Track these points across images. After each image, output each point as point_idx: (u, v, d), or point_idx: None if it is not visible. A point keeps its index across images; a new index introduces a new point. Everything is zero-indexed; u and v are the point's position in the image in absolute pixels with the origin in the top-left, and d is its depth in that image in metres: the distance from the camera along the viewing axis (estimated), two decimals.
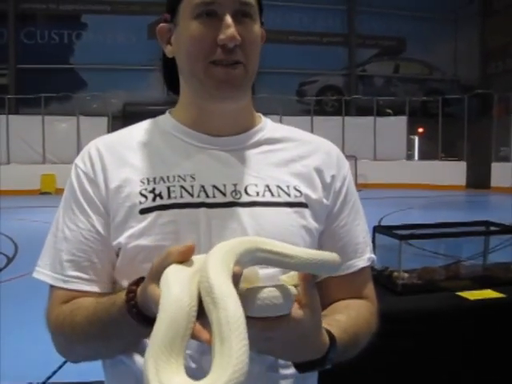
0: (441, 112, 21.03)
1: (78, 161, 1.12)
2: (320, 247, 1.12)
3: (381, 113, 21.41)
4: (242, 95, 1.09)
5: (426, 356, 2.45)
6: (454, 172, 20.08)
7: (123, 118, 20.59)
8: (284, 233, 1.05)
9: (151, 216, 1.02)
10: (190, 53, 1.05)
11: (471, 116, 20.82)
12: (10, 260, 7.86)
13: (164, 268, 0.79)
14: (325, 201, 1.13)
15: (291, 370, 1.00)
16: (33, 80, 19.68)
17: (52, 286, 1.07)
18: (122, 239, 1.03)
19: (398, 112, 21.48)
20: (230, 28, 0.99)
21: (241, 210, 1.04)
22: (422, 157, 22.77)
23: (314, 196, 1.11)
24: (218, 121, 1.10)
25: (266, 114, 1.22)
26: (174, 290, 0.72)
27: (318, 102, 21.67)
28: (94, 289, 1.06)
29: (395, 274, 2.82)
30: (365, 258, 1.17)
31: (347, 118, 20.60)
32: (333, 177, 1.15)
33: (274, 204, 1.06)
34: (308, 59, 21.13)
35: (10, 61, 20.36)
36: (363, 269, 1.16)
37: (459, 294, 2.81)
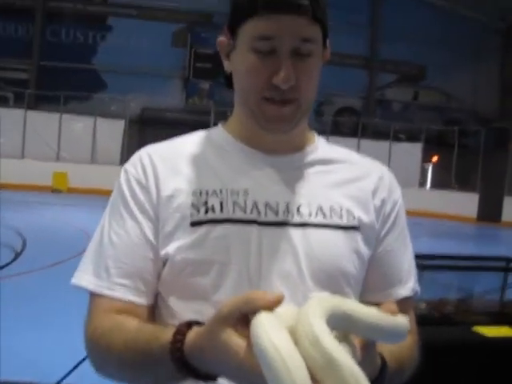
0: (457, 142, 21.00)
1: (128, 166, 1.11)
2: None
3: (396, 138, 21.41)
4: (293, 127, 1.07)
5: None
6: (465, 203, 19.97)
7: (140, 123, 20.74)
8: (334, 256, 1.03)
9: (202, 229, 1.00)
10: (244, 85, 1.04)
11: (487, 148, 20.79)
12: (17, 255, 7.87)
13: (241, 312, 0.75)
14: (376, 225, 1.11)
15: None
16: (54, 77, 19.82)
17: (93, 295, 1.03)
18: (170, 250, 1.01)
19: (413, 139, 21.46)
20: (285, 70, 0.97)
21: (292, 231, 1.02)
22: (435, 185, 22.72)
23: (366, 220, 1.09)
24: (272, 140, 1.09)
25: None
26: (290, 355, 0.65)
27: (334, 123, 21.69)
28: (140, 300, 1.02)
29: None
30: (408, 287, 1.14)
31: (363, 141, 20.60)
32: (383, 200, 1.13)
33: (326, 226, 1.05)
34: (328, 79, 21.02)
35: (33, 57, 20.52)
36: (406, 298, 1.13)
37: (476, 328, 2.79)
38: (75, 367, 3.94)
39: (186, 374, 0.83)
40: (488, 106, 24.42)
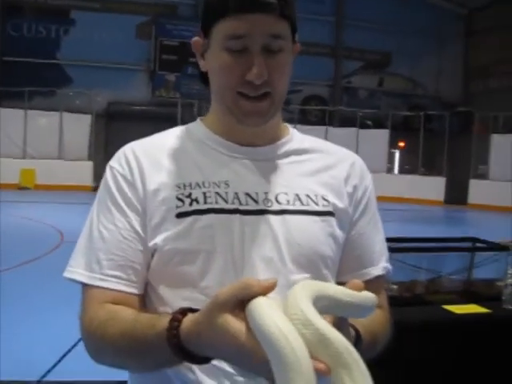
0: (422, 127, 21.26)
1: (113, 163, 1.15)
2: None
3: (363, 125, 21.60)
4: (268, 120, 1.13)
5: (417, 367, 2.52)
6: (432, 187, 20.31)
7: (107, 117, 20.52)
8: (312, 240, 1.10)
9: (188, 220, 1.06)
10: (219, 82, 1.09)
11: (452, 133, 21.09)
12: None
13: (237, 299, 0.80)
14: (349, 210, 1.18)
15: None
16: (17, 73, 19.42)
17: (86, 287, 1.07)
18: (158, 240, 1.06)
19: (380, 125, 21.67)
20: (257, 67, 1.03)
21: (272, 218, 1.09)
22: (402, 170, 23.02)
23: (340, 205, 1.16)
24: (248, 133, 1.15)
25: None
26: (292, 335, 0.71)
27: (302, 111, 21.79)
28: (132, 290, 1.07)
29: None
30: (380, 266, 1.22)
31: (330, 129, 20.74)
32: (355, 186, 1.21)
33: (304, 212, 1.11)
34: (294, 68, 20.92)
35: None
36: (378, 277, 1.21)
37: (445, 307, 2.89)
38: (57, 363, 3.96)
39: (182, 359, 0.88)
40: (452, 90, 24.80)
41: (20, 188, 17.64)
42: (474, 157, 20.41)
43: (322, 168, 1.19)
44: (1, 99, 19.30)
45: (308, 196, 1.13)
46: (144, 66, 21.40)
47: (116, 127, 20.37)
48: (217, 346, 0.82)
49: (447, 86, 24.76)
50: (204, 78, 1.18)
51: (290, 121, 19.55)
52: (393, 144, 22.03)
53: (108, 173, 1.14)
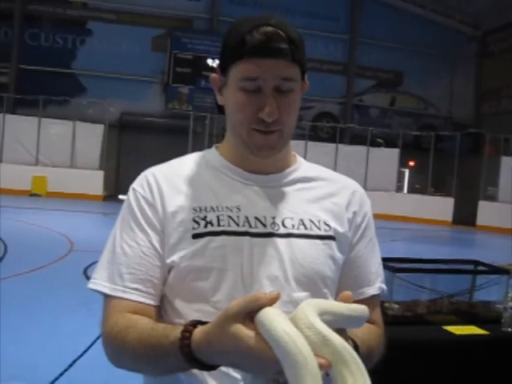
0: (433, 147, 21.30)
1: (136, 186, 1.26)
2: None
3: (374, 143, 21.66)
4: (277, 153, 1.25)
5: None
6: (441, 207, 20.30)
7: (119, 127, 20.73)
8: (314, 262, 1.21)
9: (203, 241, 1.17)
10: (235, 117, 1.21)
11: (462, 154, 21.10)
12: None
13: (246, 311, 0.92)
14: (348, 234, 1.29)
15: None
16: (33, 81, 19.74)
17: (108, 297, 1.18)
18: (175, 258, 1.17)
19: (390, 144, 21.71)
20: (269, 107, 1.14)
21: (278, 240, 1.20)
22: (411, 190, 23.03)
23: (341, 230, 1.27)
24: (259, 162, 1.26)
25: None
26: (299, 338, 0.85)
27: (313, 128, 21.89)
28: (150, 302, 1.18)
29: (386, 304, 2.95)
30: (376, 286, 1.33)
31: (341, 146, 20.81)
32: (354, 213, 1.32)
33: (307, 236, 1.22)
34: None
35: (12, 60, 20.40)
36: (373, 296, 1.32)
37: (445, 327, 2.95)
38: (64, 371, 4.01)
39: (192, 366, 0.99)
40: (463, 111, 24.85)
41: (31, 195, 17.83)
42: (483, 178, 20.39)
43: (326, 195, 1.31)
44: (16, 106, 19.59)
45: (311, 221, 1.25)
46: (158, 78, 21.62)
47: (128, 138, 20.60)
48: (228, 352, 0.93)
49: (459, 107, 24.81)
50: (220, 108, 1.30)
51: (302, 137, 19.68)
52: (403, 163, 22.05)
53: (131, 195, 1.26)
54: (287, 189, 1.28)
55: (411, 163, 23.23)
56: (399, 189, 22.26)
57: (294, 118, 1.22)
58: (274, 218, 1.22)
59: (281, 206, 1.25)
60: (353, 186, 1.38)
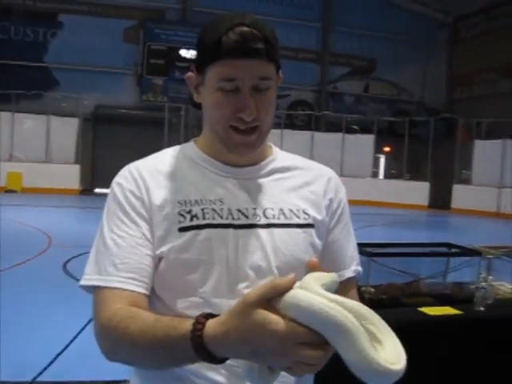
0: (407, 133, 21.52)
1: (121, 180, 1.28)
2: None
3: (349, 130, 21.81)
4: (256, 150, 1.28)
5: None
6: (417, 192, 20.56)
7: (94, 120, 20.56)
8: (295, 250, 1.26)
9: (189, 234, 1.20)
10: (213, 116, 1.24)
11: (436, 139, 21.37)
12: None
13: (267, 298, 0.90)
14: (326, 220, 1.35)
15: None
16: (5, 76, 19.39)
17: (102, 289, 1.17)
18: (164, 249, 1.20)
19: (365, 130, 21.88)
20: (248, 107, 1.18)
21: (260, 231, 1.25)
22: (387, 175, 23.27)
23: (319, 217, 1.32)
24: (236, 156, 1.30)
25: None
26: (338, 307, 0.86)
27: (288, 116, 21.95)
28: (144, 291, 1.18)
29: (363, 288, 3.04)
30: (351, 269, 1.39)
31: (316, 134, 20.91)
32: (331, 199, 1.37)
33: (287, 225, 1.27)
34: (282, 73, 21.01)
35: None
36: (349, 278, 1.38)
37: (420, 309, 3.04)
38: (49, 365, 4.03)
39: (202, 358, 0.97)
40: (436, 97, 25.11)
41: (7, 191, 17.64)
42: (457, 162, 20.71)
43: (303, 184, 1.35)
44: None
45: (291, 210, 1.29)
46: (131, 70, 21.44)
47: (103, 131, 20.45)
48: (251, 341, 0.90)
49: (432, 93, 25.06)
50: (196, 104, 1.33)
51: (277, 125, 19.74)
52: (378, 149, 22.27)
53: (116, 188, 1.27)
54: (265, 180, 1.32)
55: (386, 149, 23.47)
56: (375, 175, 22.46)
57: (272, 115, 1.26)
58: (255, 209, 1.26)
59: (260, 197, 1.29)
60: (328, 173, 1.42)
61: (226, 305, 1.14)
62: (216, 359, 0.97)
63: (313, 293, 0.90)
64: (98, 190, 19.82)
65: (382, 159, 23.90)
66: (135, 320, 1.07)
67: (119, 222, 1.22)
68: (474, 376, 2.90)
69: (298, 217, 1.29)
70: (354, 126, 22.30)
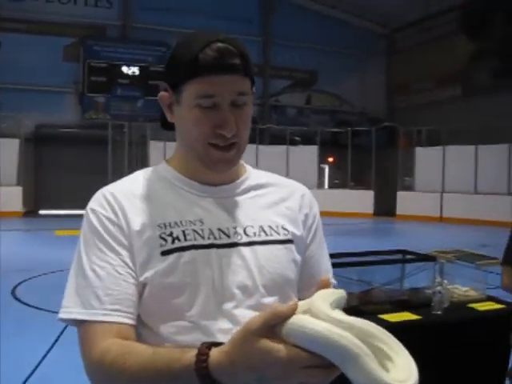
0: (350, 143, 21.90)
1: (95, 206, 1.23)
2: None
3: (293, 142, 22.03)
4: (233, 167, 1.28)
5: None
6: (362, 200, 20.91)
7: (35, 141, 20.08)
8: (279, 267, 1.26)
9: (172, 257, 1.18)
10: (191, 134, 1.22)
11: (378, 147, 21.81)
12: None
13: (269, 325, 0.91)
14: (304, 235, 1.36)
15: None
16: None
17: (86, 324, 1.13)
18: (148, 275, 1.16)
19: (309, 142, 22.14)
20: (228, 123, 1.17)
21: (243, 249, 1.23)
22: (332, 185, 23.59)
23: (297, 233, 1.33)
24: (211, 174, 1.29)
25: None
26: (344, 333, 0.87)
27: None
28: (131, 322, 1.15)
29: None
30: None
31: (261, 147, 21.00)
32: (306, 215, 1.38)
33: (268, 242, 1.27)
34: None
35: None
36: None
37: (381, 316, 3.11)
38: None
39: None
40: (376, 106, 25.67)
41: None
42: (400, 170, 21.20)
43: (278, 200, 1.36)
44: None
45: (270, 227, 1.29)
46: (72, 89, 21.05)
47: (45, 151, 20.00)
48: (256, 368, 0.91)
49: (372, 103, 25.61)
50: (165, 124, 1.33)
51: None
52: (322, 160, 22.56)
53: (91, 215, 1.22)
54: (241, 198, 1.31)
55: (330, 159, 23.79)
56: (320, 185, 22.72)
57: (248, 131, 1.26)
58: (235, 227, 1.25)
59: (239, 215, 1.28)
60: (301, 189, 1.43)
61: (215, 326, 1.16)
62: None
63: (321, 315, 0.91)
64: (42, 212, 19.39)
65: (327, 169, 24.21)
66: (132, 355, 1.05)
67: (98, 251, 1.18)
68: (440, 378, 2.98)
69: (278, 233, 1.29)
70: (297, 138, 22.53)
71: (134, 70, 21.37)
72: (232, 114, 1.19)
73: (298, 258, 1.32)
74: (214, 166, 1.24)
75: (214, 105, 1.18)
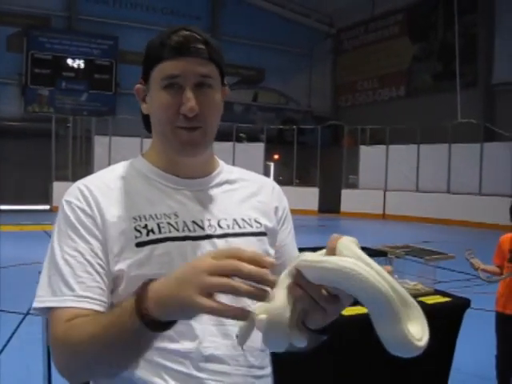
0: (296, 140, 22.11)
1: (70, 198, 1.25)
2: None
3: (239, 139, 22.08)
4: (202, 152, 1.31)
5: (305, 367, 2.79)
6: (307, 197, 21.10)
7: None
8: None
9: (146, 249, 1.20)
10: (159, 118, 1.26)
11: (323, 145, 22.10)
12: None
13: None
14: (276, 227, 1.43)
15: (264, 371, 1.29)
16: None
17: (56, 310, 1.14)
18: (123, 267, 1.19)
19: (255, 139, 22.25)
20: (189, 101, 1.21)
21: (217, 241, 1.28)
22: (277, 182, 23.65)
23: (270, 225, 1.39)
24: (186, 167, 1.34)
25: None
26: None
27: None
28: (102, 309, 1.16)
29: None
30: None
31: None
32: (276, 207, 1.45)
33: (242, 234, 1.32)
34: None
35: None
36: None
37: None
38: None
39: (148, 325, 0.96)
40: (322, 105, 26.04)
41: None
42: (344, 168, 21.56)
43: (251, 194, 1.42)
44: None
45: (244, 220, 1.34)
46: (15, 80, 20.46)
47: None
48: (185, 280, 0.94)
49: (318, 101, 25.96)
50: (146, 122, 1.36)
51: None
52: (268, 157, 22.68)
53: (66, 207, 1.24)
54: (215, 191, 1.36)
55: (276, 157, 23.96)
56: None
57: (216, 117, 1.29)
58: (209, 220, 1.29)
59: (214, 208, 1.32)
60: (270, 183, 1.51)
61: None
62: (163, 324, 0.97)
63: (353, 254, 0.93)
64: None
65: (272, 167, 24.37)
66: (87, 319, 1.09)
67: (70, 240, 1.20)
68: (385, 372, 3.09)
69: (251, 226, 1.34)
70: (242, 135, 22.57)
71: (79, 63, 20.98)
72: (196, 97, 1.22)
73: (271, 249, 1.38)
74: (182, 148, 1.27)
75: (179, 87, 1.22)
